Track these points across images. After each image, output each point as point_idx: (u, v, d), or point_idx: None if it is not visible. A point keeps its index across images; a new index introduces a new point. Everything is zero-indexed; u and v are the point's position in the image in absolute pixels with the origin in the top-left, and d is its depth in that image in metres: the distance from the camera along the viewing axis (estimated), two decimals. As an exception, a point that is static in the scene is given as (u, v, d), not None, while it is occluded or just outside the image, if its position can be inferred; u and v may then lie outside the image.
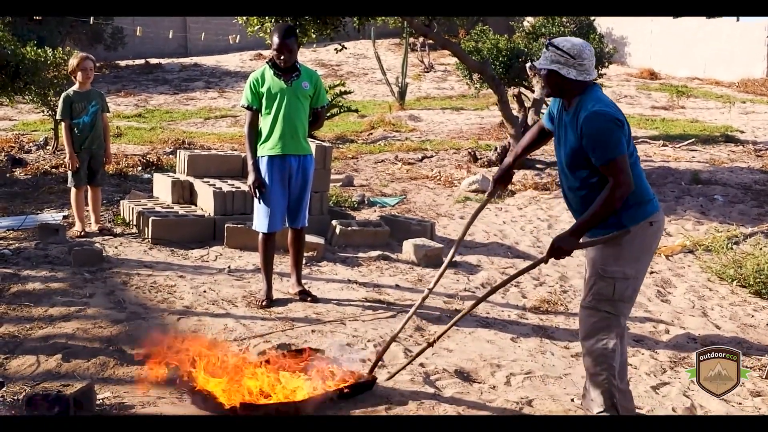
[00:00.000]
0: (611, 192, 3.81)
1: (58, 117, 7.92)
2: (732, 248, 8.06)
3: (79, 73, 7.75)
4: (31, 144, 12.89)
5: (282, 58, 5.83)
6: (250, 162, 5.92)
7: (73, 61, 7.83)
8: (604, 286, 3.96)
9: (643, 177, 4.04)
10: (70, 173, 7.81)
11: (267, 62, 5.99)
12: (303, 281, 6.27)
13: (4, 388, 4.00)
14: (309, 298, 6.07)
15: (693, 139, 13.96)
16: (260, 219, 6.00)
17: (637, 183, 3.90)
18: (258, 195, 5.90)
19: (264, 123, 5.94)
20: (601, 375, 4.00)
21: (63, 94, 7.88)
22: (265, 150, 5.92)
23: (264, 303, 5.91)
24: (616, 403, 3.99)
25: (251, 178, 5.89)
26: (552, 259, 4.08)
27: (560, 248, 3.98)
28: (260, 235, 6.05)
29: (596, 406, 4.05)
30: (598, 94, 3.93)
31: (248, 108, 5.96)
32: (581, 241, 4.02)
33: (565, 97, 3.99)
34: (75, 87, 7.85)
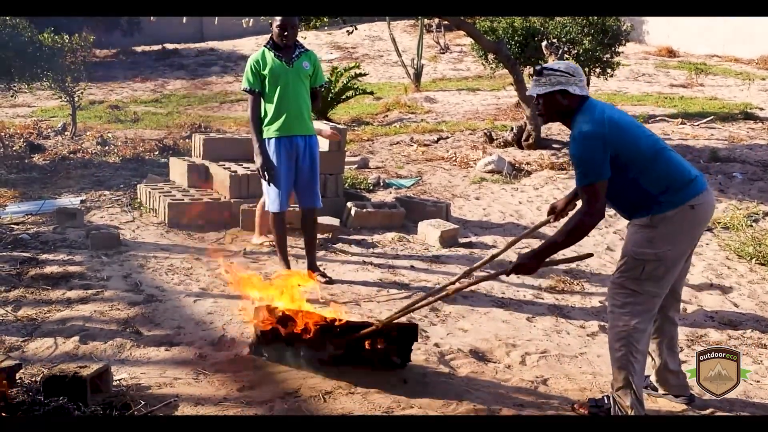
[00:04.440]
0: (581, 218, 3.86)
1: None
2: (751, 226, 7.99)
3: None
4: (49, 130, 12.96)
5: (286, 34, 5.90)
6: (256, 145, 5.97)
7: None
8: (634, 266, 3.95)
9: (675, 162, 3.99)
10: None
11: (265, 45, 6.04)
12: (318, 263, 6.30)
13: (21, 370, 4.03)
14: (324, 279, 6.10)
15: (712, 117, 13.81)
16: (272, 199, 6.06)
17: (666, 172, 3.92)
18: (267, 177, 5.95)
19: (268, 105, 5.98)
20: (620, 351, 3.98)
21: None
22: (271, 132, 5.98)
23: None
24: (632, 381, 3.98)
25: (259, 161, 5.95)
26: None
27: (523, 266, 4.04)
28: (272, 216, 6.13)
29: (615, 382, 4.04)
30: (591, 109, 3.93)
31: (250, 92, 5.99)
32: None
33: (565, 119, 4.02)
34: None
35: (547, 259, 4.08)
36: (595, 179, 3.82)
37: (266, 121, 6.00)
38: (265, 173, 5.95)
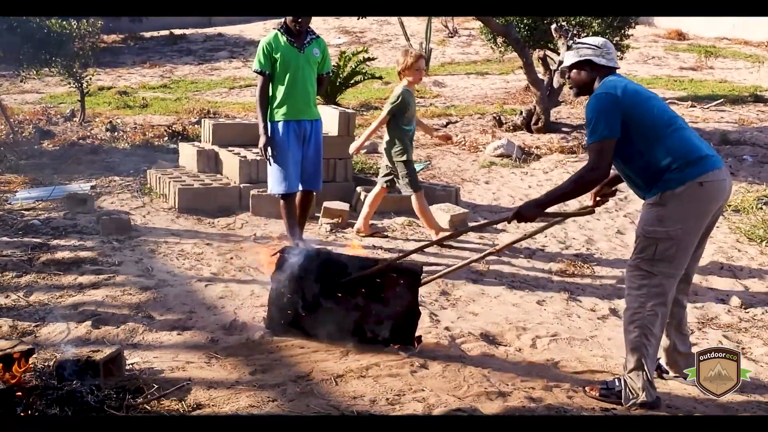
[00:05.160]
0: (584, 173, 4.04)
1: (388, 112, 6.66)
2: (761, 208, 7.97)
3: (414, 72, 6.66)
4: (58, 116, 12.97)
5: (300, 20, 5.97)
6: (261, 125, 6.09)
7: (407, 59, 6.64)
8: (647, 246, 3.98)
9: (687, 138, 4.03)
10: (407, 179, 6.76)
11: (279, 29, 6.10)
12: (329, 247, 6.36)
13: (34, 355, 4.06)
14: None
15: (721, 100, 13.75)
16: (278, 181, 6.18)
17: (675, 145, 3.95)
18: (268, 157, 6.09)
19: (278, 88, 6.08)
20: (634, 333, 4.01)
21: (401, 90, 6.66)
22: (280, 115, 6.09)
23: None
24: (644, 364, 3.99)
25: (262, 141, 6.08)
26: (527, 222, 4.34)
27: (522, 215, 4.22)
28: (281, 200, 6.24)
29: (628, 364, 4.05)
30: (612, 79, 4.08)
31: (261, 73, 6.10)
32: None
33: (590, 90, 4.17)
34: (405, 85, 6.71)
35: (548, 210, 4.30)
36: (604, 136, 3.92)
37: (275, 103, 6.09)
38: (267, 153, 6.08)
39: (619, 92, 3.96)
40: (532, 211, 4.22)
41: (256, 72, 6.12)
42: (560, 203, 4.27)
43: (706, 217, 4.03)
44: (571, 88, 4.33)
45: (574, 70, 4.20)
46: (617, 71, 4.19)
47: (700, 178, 3.92)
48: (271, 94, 6.13)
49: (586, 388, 4.20)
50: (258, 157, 7.77)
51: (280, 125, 6.08)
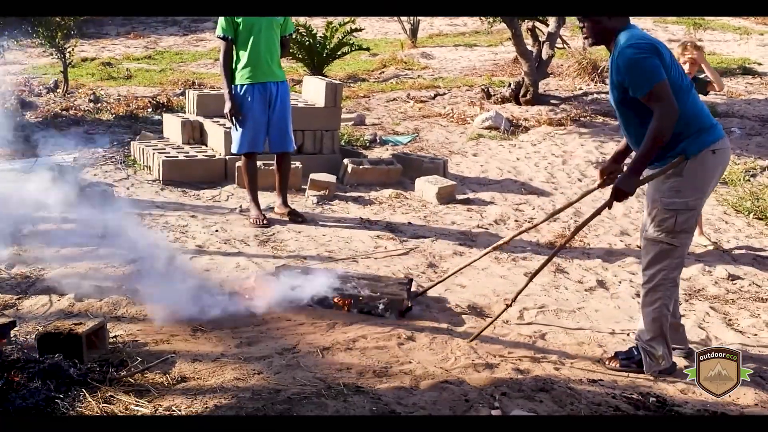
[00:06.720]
0: (658, 122, 3.77)
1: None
2: (749, 180, 7.97)
3: (687, 64, 6.32)
4: (40, 87, 12.80)
5: None
6: (226, 90, 6.23)
7: (678, 50, 6.34)
8: (667, 218, 3.95)
9: (700, 104, 4.01)
10: None
11: None
12: (320, 222, 6.36)
13: (16, 328, 4.00)
14: (299, 219, 6.39)
15: (710, 72, 13.71)
16: (240, 141, 6.31)
17: (692, 111, 3.92)
18: (235, 122, 6.23)
19: (242, 52, 6.21)
20: (655, 304, 4.03)
21: None
22: (245, 78, 6.21)
23: (265, 222, 6.28)
24: (665, 332, 4.05)
25: (228, 106, 6.21)
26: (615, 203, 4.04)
27: (622, 191, 3.94)
28: (243, 159, 6.44)
29: (646, 334, 4.06)
30: (633, 30, 3.94)
31: (223, 38, 6.23)
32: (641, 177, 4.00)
33: (607, 41, 3.98)
34: None
35: (642, 177, 3.99)
36: (656, 81, 3.75)
37: (240, 67, 6.22)
38: (233, 118, 6.22)
39: (652, 40, 3.87)
40: (629, 183, 3.91)
41: (219, 37, 6.25)
42: (648, 163, 3.94)
43: (714, 184, 4.07)
44: (586, 38, 4.10)
45: (591, 21, 3.97)
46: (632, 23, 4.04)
47: (713, 145, 3.92)
48: (235, 58, 6.24)
49: (605, 362, 4.19)
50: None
51: (246, 88, 6.21)
